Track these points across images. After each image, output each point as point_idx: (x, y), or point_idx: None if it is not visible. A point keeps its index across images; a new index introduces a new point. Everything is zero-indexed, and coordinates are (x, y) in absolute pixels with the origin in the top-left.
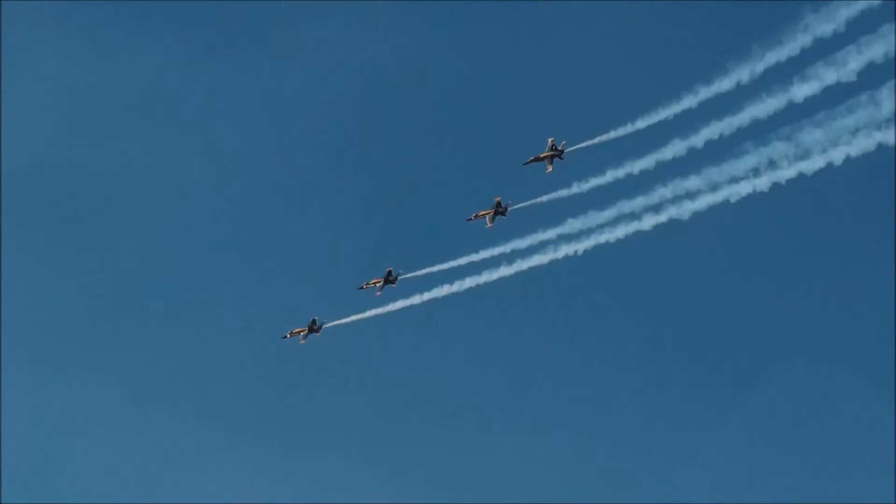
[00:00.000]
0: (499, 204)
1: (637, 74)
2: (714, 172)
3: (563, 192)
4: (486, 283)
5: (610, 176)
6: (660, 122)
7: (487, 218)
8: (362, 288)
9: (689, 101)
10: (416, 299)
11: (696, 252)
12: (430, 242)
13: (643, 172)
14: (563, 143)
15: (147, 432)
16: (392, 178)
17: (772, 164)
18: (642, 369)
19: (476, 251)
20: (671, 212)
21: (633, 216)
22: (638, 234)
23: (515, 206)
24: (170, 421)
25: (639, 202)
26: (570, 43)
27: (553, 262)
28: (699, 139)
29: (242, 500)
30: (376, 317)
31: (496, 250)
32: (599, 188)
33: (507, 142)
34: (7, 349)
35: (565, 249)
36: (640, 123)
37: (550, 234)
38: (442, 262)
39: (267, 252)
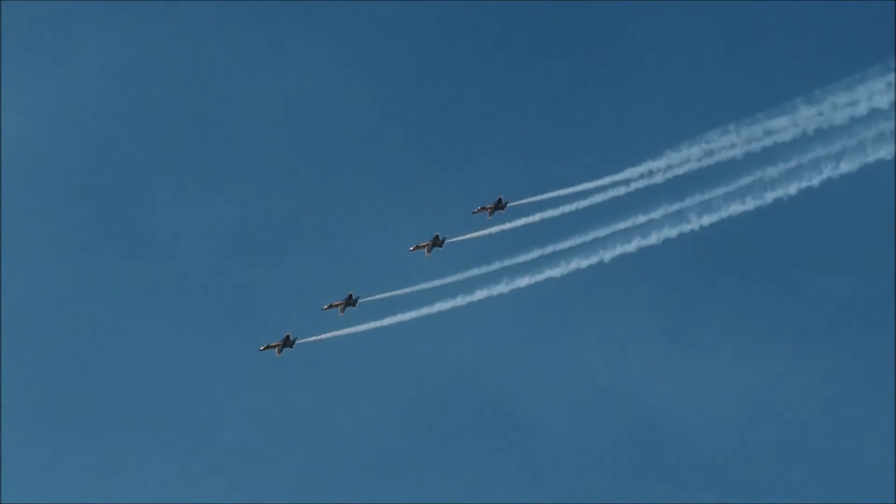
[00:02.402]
0: (437, 238)
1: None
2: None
3: (494, 229)
4: (444, 310)
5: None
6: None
7: (426, 249)
8: (325, 308)
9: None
10: (383, 321)
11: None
12: (378, 270)
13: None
14: (508, 200)
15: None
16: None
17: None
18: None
19: (426, 279)
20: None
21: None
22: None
23: (451, 240)
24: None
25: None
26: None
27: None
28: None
29: None
30: (347, 335)
31: (446, 280)
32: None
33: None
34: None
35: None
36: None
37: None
38: (393, 288)
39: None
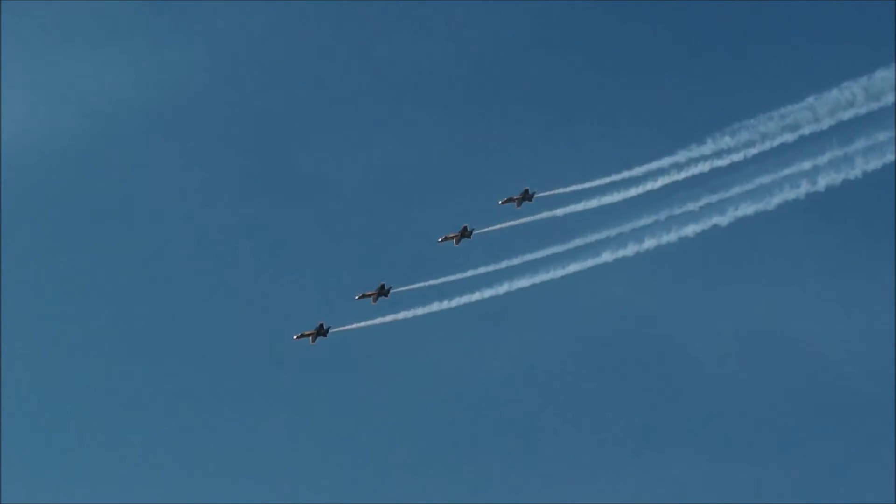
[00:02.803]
0: (465, 229)
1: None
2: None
3: (522, 220)
4: (480, 300)
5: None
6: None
7: (454, 240)
8: (358, 298)
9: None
10: (416, 311)
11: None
12: (408, 260)
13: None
14: (535, 191)
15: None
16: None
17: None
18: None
19: (460, 270)
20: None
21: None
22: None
23: (479, 231)
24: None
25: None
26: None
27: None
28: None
29: None
30: (380, 325)
31: (480, 270)
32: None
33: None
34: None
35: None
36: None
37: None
38: (425, 278)
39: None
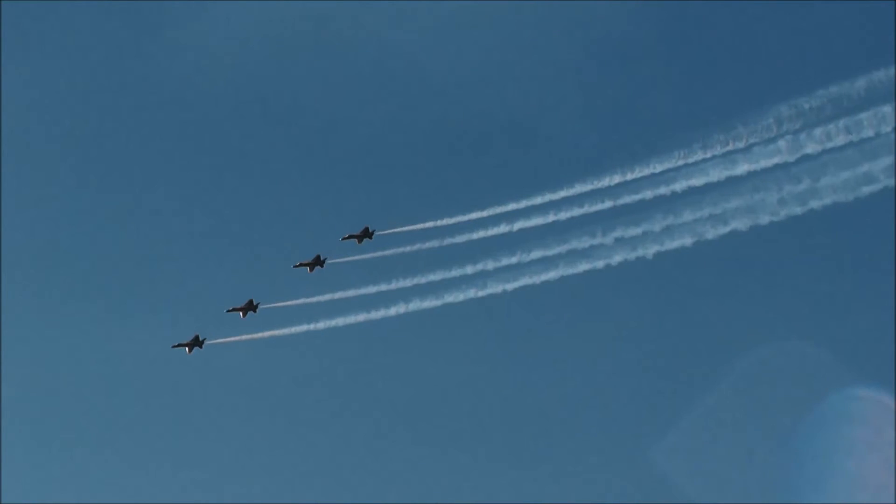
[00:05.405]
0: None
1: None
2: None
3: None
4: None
5: None
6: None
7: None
8: (228, 311)
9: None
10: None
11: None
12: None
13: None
14: (374, 229)
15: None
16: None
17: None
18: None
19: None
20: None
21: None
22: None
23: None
24: None
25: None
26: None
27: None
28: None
29: None
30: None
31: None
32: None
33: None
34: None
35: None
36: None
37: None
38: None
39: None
